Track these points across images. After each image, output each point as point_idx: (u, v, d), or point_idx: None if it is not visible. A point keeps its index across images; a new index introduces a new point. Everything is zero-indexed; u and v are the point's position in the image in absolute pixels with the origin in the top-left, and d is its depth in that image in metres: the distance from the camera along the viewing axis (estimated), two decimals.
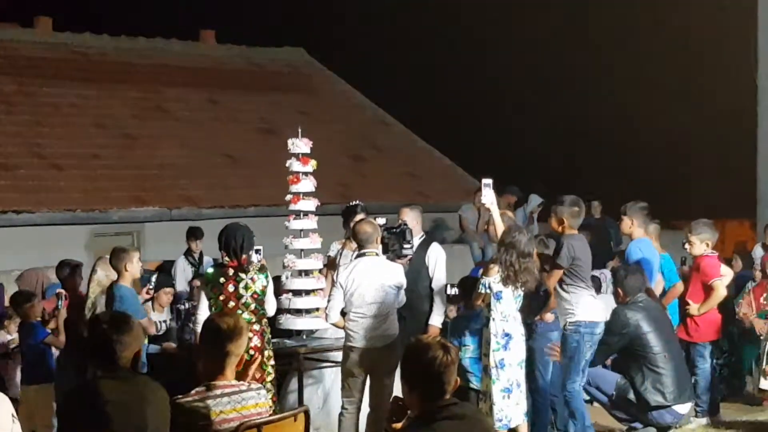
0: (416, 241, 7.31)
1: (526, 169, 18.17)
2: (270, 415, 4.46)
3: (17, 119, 13.08)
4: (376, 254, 6.31)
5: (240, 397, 4.36)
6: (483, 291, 6.17)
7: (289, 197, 7.40)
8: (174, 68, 15.71)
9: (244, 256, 6.26)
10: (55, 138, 13.03)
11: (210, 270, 6.72)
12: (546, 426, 6.66)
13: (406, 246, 6.96)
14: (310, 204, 7.33)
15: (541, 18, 23.90)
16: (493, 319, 6.12)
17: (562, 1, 23.74)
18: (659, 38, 22.80)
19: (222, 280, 6.19)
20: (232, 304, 6.19)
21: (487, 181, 6.59)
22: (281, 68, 17.30)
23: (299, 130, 7.33)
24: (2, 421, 4.16)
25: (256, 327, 6.15)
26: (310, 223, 7.38)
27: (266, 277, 6.41)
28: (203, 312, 6.30)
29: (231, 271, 6.18)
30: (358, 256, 6.32)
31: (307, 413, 4.62)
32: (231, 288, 6.22)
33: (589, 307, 6.36)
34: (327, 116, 15.57)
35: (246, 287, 6.23)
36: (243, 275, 6.20)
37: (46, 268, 8.40)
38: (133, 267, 7.03)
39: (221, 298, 6.16)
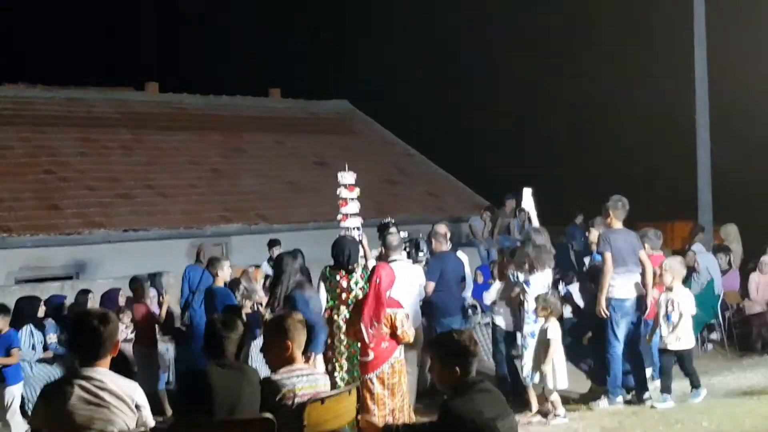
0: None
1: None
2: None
3: (133, 160, 15.16)
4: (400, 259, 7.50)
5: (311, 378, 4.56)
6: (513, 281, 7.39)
7: (339, 217, 8.33)
8: (249, 118, 18.19)
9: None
10: (161, 173, 15.01)
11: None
12: None
13: (420, 253, 8.18)
14: (356, 221, 8.32)
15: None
16: (527, 301, 7.18)
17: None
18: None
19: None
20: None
21: (527, 189, 7.95)
22: (331, 116, 19.86)
23: (346, 166, 8.30)
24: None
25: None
26: (356, 235, 8.06)
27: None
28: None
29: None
30: (389, 262, 7.04)
31: (358, 389, 4.93)
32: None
33: None
34: (366, 150, 17.74)
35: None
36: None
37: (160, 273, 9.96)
38: (224, 272, 8.11)
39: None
